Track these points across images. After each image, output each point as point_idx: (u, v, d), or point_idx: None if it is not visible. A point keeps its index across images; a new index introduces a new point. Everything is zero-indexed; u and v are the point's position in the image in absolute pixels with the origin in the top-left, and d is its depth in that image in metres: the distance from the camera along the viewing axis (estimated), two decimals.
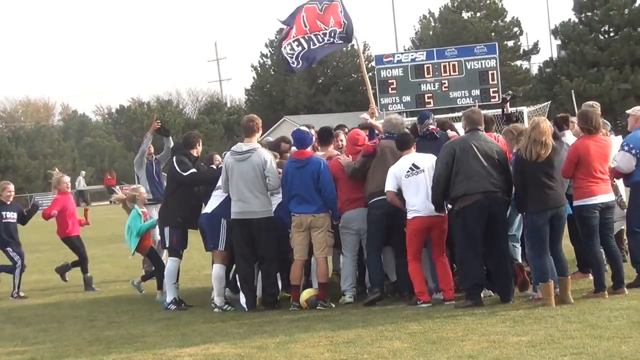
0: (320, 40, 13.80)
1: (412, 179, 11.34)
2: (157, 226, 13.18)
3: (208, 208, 12.25)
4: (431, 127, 12.25)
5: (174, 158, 12.59)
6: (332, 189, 11.78)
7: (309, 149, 12.01)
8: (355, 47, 15.41)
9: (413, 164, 11.40)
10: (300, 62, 13.87)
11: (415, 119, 13.14)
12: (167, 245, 12.59)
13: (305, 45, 13.79)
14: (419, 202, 11.27)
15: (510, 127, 12.07)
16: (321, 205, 11.74)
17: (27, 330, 11.65)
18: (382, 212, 11.70)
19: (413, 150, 11.62)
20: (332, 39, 13.86)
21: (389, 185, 11.46)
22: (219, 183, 12.13)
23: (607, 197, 11.12)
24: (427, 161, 11.39)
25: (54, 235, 16.17)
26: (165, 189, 12.72)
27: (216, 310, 11.97)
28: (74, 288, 15.37)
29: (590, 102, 13.78)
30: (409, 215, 11.37)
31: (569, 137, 12.35)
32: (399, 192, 11.46)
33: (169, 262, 12.52)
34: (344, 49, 73.00)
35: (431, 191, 11.11)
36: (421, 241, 11.42)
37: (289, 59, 13.82)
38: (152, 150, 15.42)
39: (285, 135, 13.96)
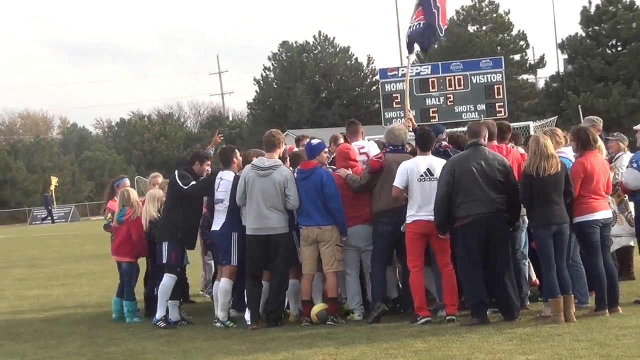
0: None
1: (424, 185, 11.13)
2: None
3: (216, 225, 12.03)
4: (444, 143, 12.11)
5: (176, 172, 12.36)
6: (338, 200, 11.56)
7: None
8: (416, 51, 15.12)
9: (428, 169, 11.19)
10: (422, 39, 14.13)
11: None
12: (164, 261, 12.27)
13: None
14: (422, 208, 11.09)
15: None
16: (327, 217, 11.56)
17: (26, 347, 11.52)
18: (389, 229, 11.58)
19: (430, 153, 11.43)
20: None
21: (398, 182, 11.23)
22: (220, 196, 11.96)
23: (606, 213, 11.04)
24: (441, 168, 11.11)
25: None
26: (165, 204, 12.56)
27: (218, 324, 11.84)
28: (73, 304, 15.22)
29: (592, 117, 13.62)
30: (408, 220, 11.20)
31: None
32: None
33: (166, 278, 12.22)
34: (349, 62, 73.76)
35: (434, 213, 10.89)
36: (421, 248, 11.21)
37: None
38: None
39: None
